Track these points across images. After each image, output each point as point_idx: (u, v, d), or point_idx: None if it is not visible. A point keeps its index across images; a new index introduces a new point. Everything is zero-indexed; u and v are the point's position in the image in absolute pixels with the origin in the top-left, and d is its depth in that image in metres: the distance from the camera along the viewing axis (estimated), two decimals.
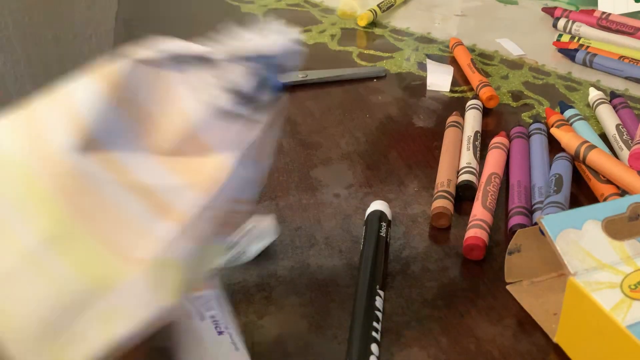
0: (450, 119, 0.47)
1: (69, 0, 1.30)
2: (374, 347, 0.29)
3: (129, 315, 0.23)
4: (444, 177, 0.40)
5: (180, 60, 0.23)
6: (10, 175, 0.22)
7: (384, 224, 0.35)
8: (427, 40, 0.65)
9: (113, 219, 0.22)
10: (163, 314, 0.23)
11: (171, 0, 0.73)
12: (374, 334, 0.29)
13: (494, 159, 0.42)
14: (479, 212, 0.37)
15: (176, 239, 0.23)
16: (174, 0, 0.73)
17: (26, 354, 0.23)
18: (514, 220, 0.37)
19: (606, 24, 0.64)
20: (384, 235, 0.35)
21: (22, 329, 0.23)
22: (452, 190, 0.40)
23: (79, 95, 0.22)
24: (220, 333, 0.27)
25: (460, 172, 0.41)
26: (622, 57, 0.58)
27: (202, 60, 0.23)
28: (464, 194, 0.40)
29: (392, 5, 0.72)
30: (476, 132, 0.45)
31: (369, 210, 0.36)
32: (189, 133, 0.23)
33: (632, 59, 0.58)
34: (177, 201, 0.23)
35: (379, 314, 0.30)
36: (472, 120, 0.47)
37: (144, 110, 0.23)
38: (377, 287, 0.32)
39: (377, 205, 0.37)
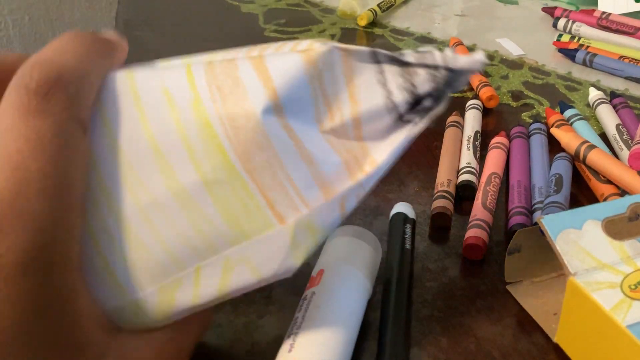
0: (450, 118, 0.47)
1: (69, 0, 1.30)
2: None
3: (253, 268, 0.24)
4: (444, 177, 0.40)
5: (374, 57, 0.24)
6: (187, 113, 0.23)
7: (408, 227, 0.35)
8: (427, 40, 0.65)
9: (280, 178, 0.24)
10: (282, 275, 0.24)
11: (171, 0, 0.73)
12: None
13: (494, 159, 0.42)
14: (479, 212, 0.37)
15: (325, 207, 0.24)
16: (174, 0, 0.73)
17: (135, 285, 0.24)
18: (514, 220, 0.37)
19: (606, 23, 0.64)
20: (410, 243, 0.34)
21: (148, 260, 0.24)
22: (452, 190, 0.40)
23: (279, 62, 0.24)
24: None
25: (460, 172, 0.41)
26: (622, 57, 0.58)
27: (394, 60, 0.24)
28: (464, 194, 0.40)
29: (392, 5, 0.72)
30: (476, 132, 0.45)
31: (393, 212, 0.36)
32: (355, 120, 0.25)
33: (632, 58, 0.58)
34: (332, 176, 0.24)
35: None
36: (472, 120, 0.47)
37: (325, 90, 0.24)
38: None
39: (402, 207, 0.36)
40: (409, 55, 0.24)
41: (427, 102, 0.24)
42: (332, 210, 0.24)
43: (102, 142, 0.24)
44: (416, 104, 0.25)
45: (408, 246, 0.34)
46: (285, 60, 0.24)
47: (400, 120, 0.25)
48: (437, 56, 0.24)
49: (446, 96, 0.25)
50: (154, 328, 0.25)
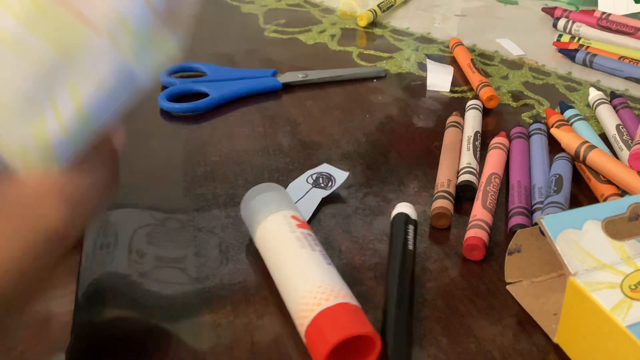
0: (450, 119, 0.47)
1: None
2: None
3: (91, 78, 0.26)
4: (444, 177, 0.40)
5: None
6: None
7: (410, 227, 0.35)
8: (427, 40, 0.65)
9: None
10: (127, 79, 0.27)
11: None
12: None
13: (494, 159, 0.42)
14: (479, 212, 0.37)
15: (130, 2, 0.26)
16: None
17: (9, 130, 0.26)
18: (514, 220, 0.37)
19: (606, 24, 0.64)
20: (412, 245, 0.34)
21: (6, 105, 0.26)
22: (452, 190, 0.40)
23: None
24: (328, 264, 0.31)
25: (460, 173, 0.41)
26: (622, 58, 0.59)
27: None
28: (464, 194, 0.40)
29: (392, 5, 0.72)
30: (476, 132, 0.45)
31: (394, 213, 0.36)
32: None
33: (632, 59, 0.58)
34: None
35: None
36: (472, 120, 0.47)
37: None
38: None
39: (403, 207, 0.36)
40: None
41: None
42: (137, 5, 0.26)
43: None
44: None
45: (411, 247, 0.34)
46: None
47: None
48: None
49: None
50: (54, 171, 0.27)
